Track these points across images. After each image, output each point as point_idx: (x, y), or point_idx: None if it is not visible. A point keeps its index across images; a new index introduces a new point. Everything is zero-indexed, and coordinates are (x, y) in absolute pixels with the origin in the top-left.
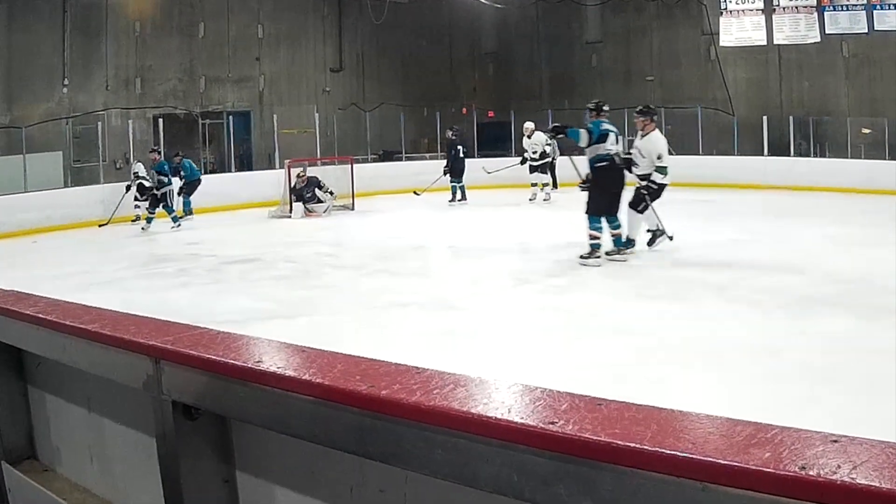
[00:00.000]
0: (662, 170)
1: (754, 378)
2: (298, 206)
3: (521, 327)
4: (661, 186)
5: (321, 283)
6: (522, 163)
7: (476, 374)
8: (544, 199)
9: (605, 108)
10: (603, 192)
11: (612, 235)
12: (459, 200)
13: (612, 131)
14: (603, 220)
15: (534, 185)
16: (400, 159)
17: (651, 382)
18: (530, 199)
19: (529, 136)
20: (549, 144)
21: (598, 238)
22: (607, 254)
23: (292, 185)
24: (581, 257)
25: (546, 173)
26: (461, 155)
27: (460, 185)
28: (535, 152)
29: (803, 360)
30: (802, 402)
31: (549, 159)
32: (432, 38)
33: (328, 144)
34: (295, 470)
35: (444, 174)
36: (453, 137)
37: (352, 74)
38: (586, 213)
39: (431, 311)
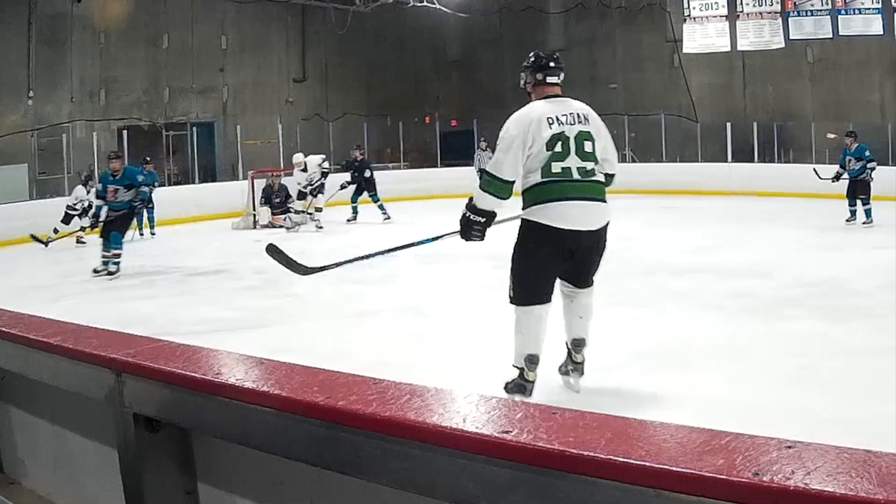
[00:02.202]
0: None
1: (723, 382)
2: (266, 211)
3: (489, 334)
4: None
5: (287, 292)
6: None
7: (443, 382)
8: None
9: None
10: None
11: None
12: (386, 218)
13: None
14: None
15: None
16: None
17: (620, 388)
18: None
19: (304, 170)
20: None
21: None
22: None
23: (268, 182)
24: None
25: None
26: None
27: (379, 202)
28: (310, 182)
29: (771, 364)
30: (772, 404)
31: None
32: (396, 47)
33: (292, 155)
34: (256, 481)
35: (344, 188)
36: (361, 157)
37: (315, 84)
38: None
39: (399, 318)
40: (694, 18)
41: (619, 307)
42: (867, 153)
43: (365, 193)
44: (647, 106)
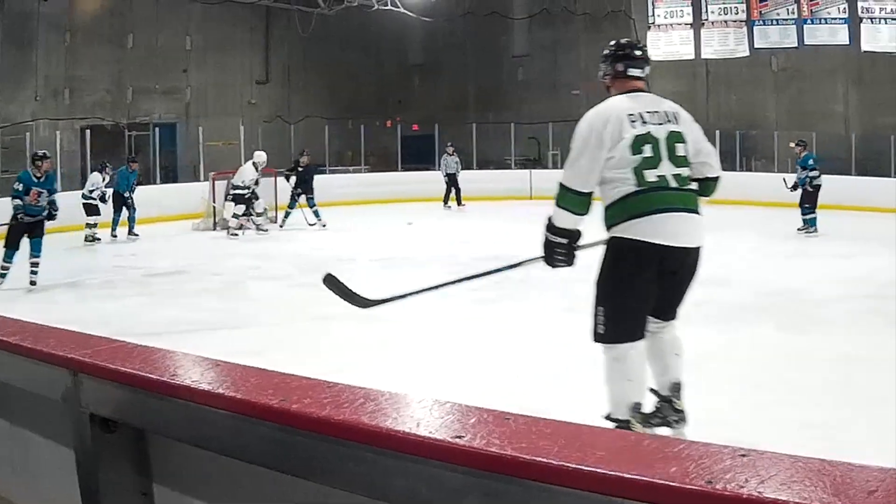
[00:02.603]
0: None
1: (684, 389)
2: (230, 206)
3: (448, 339)
4: None
5: (247, 294)
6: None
7: (402, 386)
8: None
9: None
10: None
11: None
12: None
13: None
14: None
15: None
16: (324, 172)
17: (578, 394)
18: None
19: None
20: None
21: None
22: None
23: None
24: None
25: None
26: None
27: (314, 208)
28: (246, 186)
29: (729, 371)
30: (729, 412)
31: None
32: (359, 51)
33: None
34: (212, 483)
35: (298, 196)
36: (308, 163)
37: (278, 86)
38: None
39: (358, 322)
40: (658, 26)
41: (578, 313)
42: (811, 162)
43: (302, 197)
44: None
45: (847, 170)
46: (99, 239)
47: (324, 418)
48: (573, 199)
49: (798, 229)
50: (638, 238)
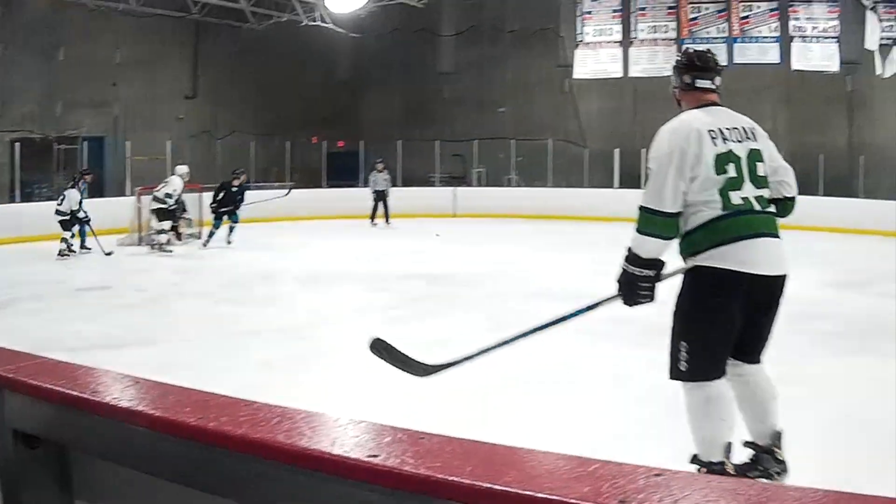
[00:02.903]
0: None
1: (603, 407)
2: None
3: (362, 358)
4: None
5: (170, 310)
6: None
7: (317, 404)
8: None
9: None
10: None
11: None
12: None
13: None
14: None
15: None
16: (248, 188)
17: (495, 412)
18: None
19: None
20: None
21: None
22: None
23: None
24: None
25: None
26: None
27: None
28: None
29: (652, 391)
30: (650, 432)
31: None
32: (287, 66)
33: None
34: (133, 501)
35: (225, 214)
36: (240, 184)
37: (206, 102)
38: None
39: (277, 339)
40: (587, 44)
41: (499, 330)
42: None
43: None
44: (536, 131)
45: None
46: (74, 252)
47: (241, 436)
48: (660, 222)
49: None
50: (725, 267)
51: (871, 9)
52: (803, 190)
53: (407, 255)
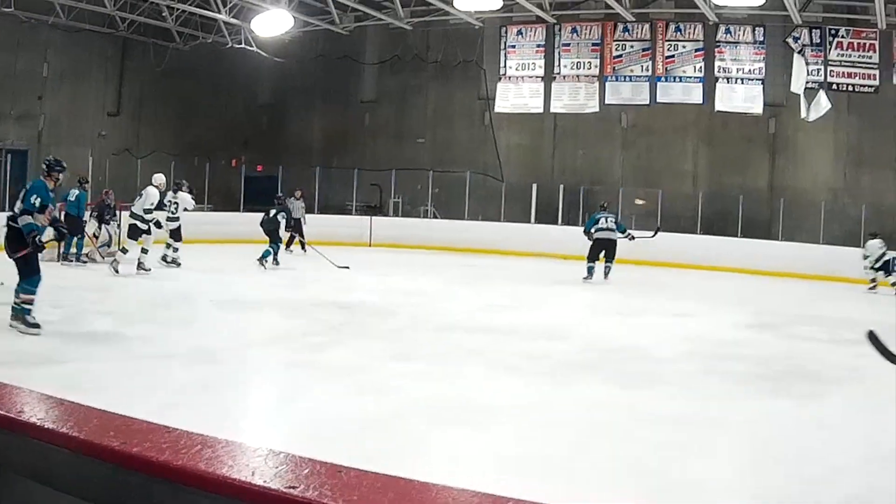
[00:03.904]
0: None
1: (515, 441)
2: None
3: (276, 384)
4: None
5: (87, 330)
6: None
7: (232, 430)
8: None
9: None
10: None
11: None
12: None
13: None
14: None
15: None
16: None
17: (408, 444)
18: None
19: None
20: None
21: None
22: None
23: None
24: None
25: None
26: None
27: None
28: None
29: (563, 426)
30: (562, 466)
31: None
32: (210, 88)
33: (100, 189)
34: None
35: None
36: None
37: (128, 119)
38: None
39: (191, 363)
40: (510, 77)
41: (408, 362)
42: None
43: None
44: (455, 162)
45: (692, 228)
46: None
47: (162, 463)
48: None
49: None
50: None
51: (799, 52)
52: (722, 231)
53: (322, 283)
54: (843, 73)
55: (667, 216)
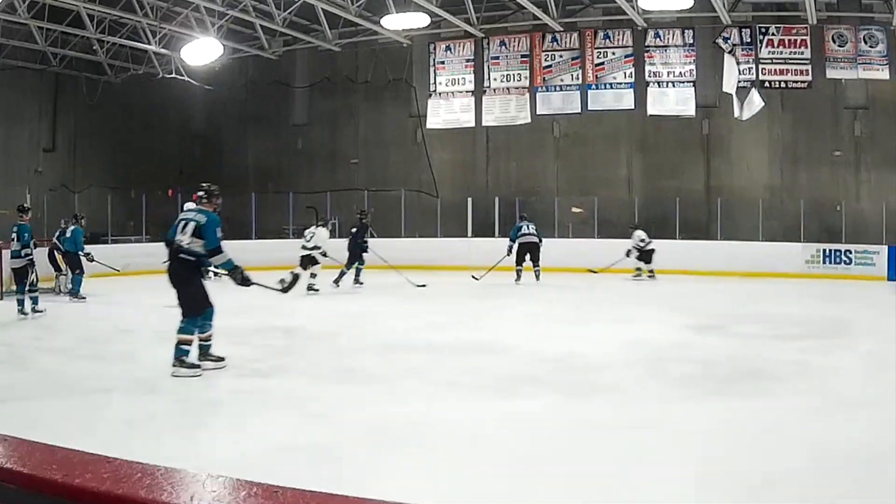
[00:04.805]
0: None
1: (457, 459)
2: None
3: (217, 412)
4: None
5: (30, 366)
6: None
7: (177, 459)
8: None
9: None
10: None
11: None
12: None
13: None
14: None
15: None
16: (106, 242)
17: (347, 466)
18: None
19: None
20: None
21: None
22: None
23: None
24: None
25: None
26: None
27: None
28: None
29: (505, 440)
30: (506, 480)
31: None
32: (144, 119)
33: (38, 226)
34: None
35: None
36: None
37: (64, 154)
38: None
39: (134, 395)
40: (440, 94)
41: (349, 384)
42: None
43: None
44: (389, 181)
45: (630, 234)
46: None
47: (104, 493)
48: None
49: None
50: None
51: (730, 52)
52: (660, 235)
53: (263, 309)
54: (776, 70)
55: (603, 223)
